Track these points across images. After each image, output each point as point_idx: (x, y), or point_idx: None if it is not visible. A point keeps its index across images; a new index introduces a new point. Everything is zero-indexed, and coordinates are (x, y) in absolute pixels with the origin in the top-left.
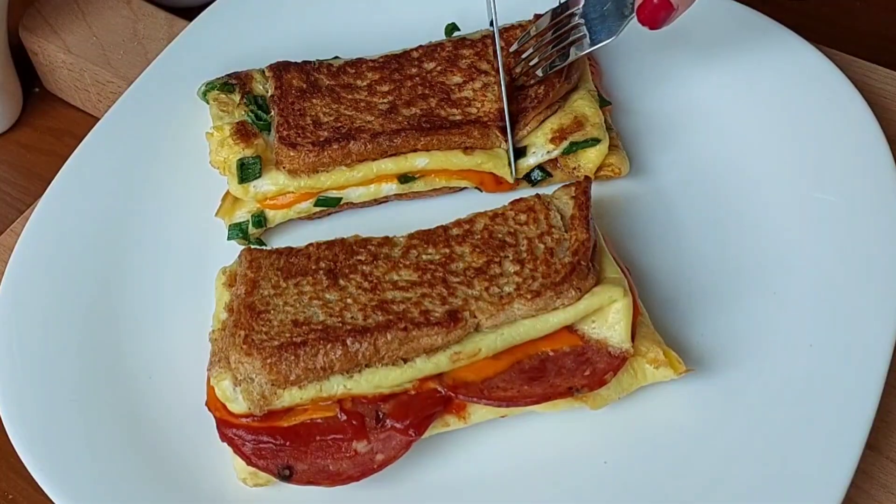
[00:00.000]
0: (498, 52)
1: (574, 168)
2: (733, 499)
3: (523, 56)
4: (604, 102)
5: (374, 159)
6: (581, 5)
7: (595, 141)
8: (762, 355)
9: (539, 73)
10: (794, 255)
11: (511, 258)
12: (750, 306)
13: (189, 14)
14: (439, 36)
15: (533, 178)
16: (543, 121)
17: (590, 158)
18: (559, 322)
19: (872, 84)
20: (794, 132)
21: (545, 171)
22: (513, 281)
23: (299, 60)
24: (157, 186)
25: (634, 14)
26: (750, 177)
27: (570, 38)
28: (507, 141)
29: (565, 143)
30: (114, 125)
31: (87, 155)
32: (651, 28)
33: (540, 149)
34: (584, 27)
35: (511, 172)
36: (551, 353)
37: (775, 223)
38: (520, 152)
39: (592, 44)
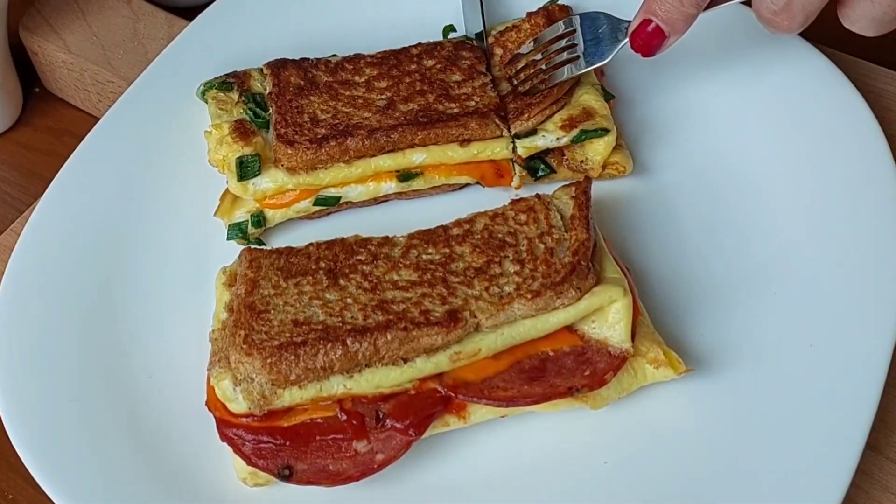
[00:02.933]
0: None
1: (582, 161)
2: (733, 498)
3: (518, 69)
4: (608, 96)
5: (371, 155)
6: (577, 25)
7: (604, 131)
8: (762, 355)
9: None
10: (794, 255)
11: (511, 258)
12: (750, 306)
13: (189, 14)
14: (436, 37)
15: (537, 172)
16: (550, 116)
17: (598, 151)
18: (559, 322)
19: (873, 85)
20: (795, 133)
21: (549, 166)
22: (513, 281)
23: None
24: (158, 186)
25: (627, 39)
26: (750, 177)
27: (565, 58)
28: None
29: (575, 131)
30: (114, 125)
31: (86, 155)
32: (645, 55)
33: (550, 133)
34: (579, 48)
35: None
36: (551, 353)
37: (775, 223)
38: (529, 133)
39: (586, 65)
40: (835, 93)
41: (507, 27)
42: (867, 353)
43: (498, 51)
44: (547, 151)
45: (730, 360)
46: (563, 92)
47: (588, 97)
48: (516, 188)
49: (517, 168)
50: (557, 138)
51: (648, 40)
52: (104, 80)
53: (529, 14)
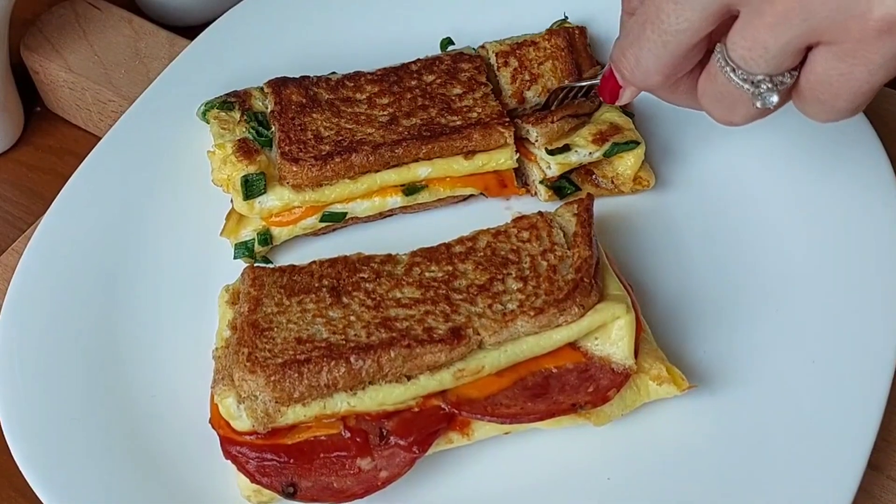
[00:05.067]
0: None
1: (613, 177)
2: None
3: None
4: (628, 114)
5: (376, 171)
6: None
7: (635, 143)
8: (765, 372)
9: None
10: (796, 272)
11: (514, 275)
12: (753, 323)
13: (190, 33)
14: (434, 51)
15: (563, 191)
16: (575, 128)
17: (628, 164)
18: (562, 339)
19: (877, 106)
20: (798, 152)
21: (574, 184)
22: (516, 298)
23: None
24: (160, 205)
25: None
26: (752, 195)
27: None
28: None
29: (607, 145)
30: (115, 144)
31: (88, 174)
32: (608, 102)
33: (583, 148)
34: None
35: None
36: (554, 370)
37: (778, 241)
38: (562, 149)
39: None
40: None
41: (524, 41)
42: (869, 370)
43: (513, 62)
44: (571, 170)
45: (732, 377)
46: (581, 110)
47: (610, 115)
48: (544, 200)
49: (542, 189)
50: (590, 153)
51: (607, 88)
52: (105, 100)
53: (550, 32)
